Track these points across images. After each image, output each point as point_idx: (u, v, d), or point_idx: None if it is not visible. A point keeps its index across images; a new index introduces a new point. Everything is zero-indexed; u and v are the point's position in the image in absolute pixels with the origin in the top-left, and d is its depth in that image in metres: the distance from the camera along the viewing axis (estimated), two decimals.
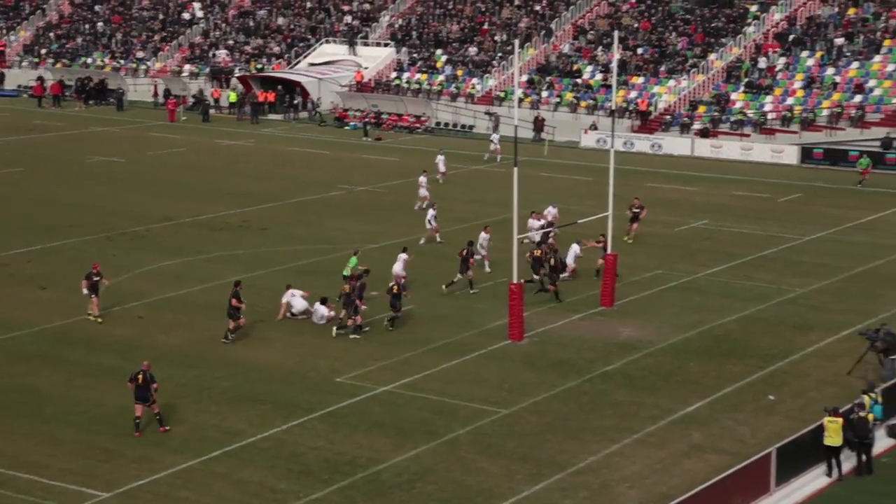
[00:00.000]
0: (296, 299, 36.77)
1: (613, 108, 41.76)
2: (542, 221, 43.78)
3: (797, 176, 60.97)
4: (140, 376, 28.15)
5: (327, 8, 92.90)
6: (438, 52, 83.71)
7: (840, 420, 25.93)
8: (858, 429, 26.01)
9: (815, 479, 26.04)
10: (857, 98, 66.86)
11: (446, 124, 77.05)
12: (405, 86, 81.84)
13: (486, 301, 38.29)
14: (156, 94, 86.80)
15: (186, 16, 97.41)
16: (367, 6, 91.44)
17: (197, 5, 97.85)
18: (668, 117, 70.95)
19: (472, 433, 28.21)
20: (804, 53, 71.86)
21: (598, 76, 75.84)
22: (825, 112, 66.75)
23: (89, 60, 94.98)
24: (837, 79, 68.85)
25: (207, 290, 39.82)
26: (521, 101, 74.00)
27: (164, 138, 72.93)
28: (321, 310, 36.22)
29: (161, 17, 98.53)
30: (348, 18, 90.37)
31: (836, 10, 74.30)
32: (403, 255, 39.07)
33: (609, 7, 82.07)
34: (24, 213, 51.52)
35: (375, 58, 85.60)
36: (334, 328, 35.33)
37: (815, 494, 25.49)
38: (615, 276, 38.44)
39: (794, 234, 47.70)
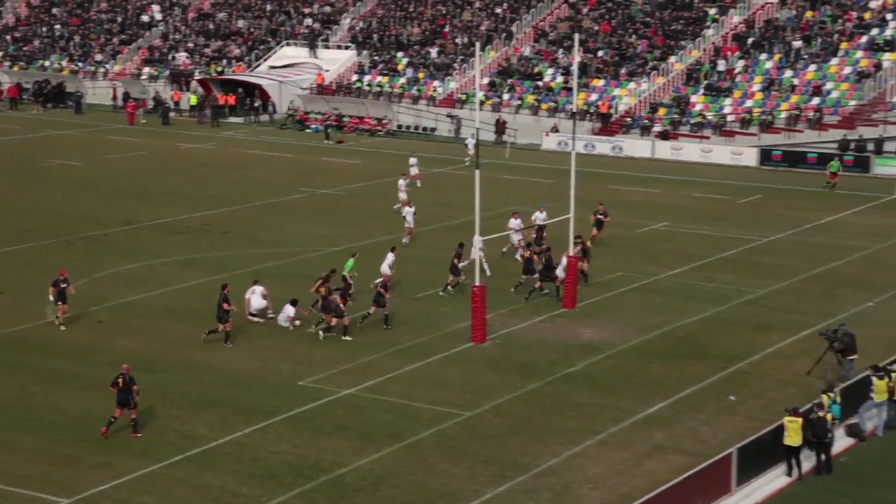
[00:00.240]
0: (255, 296, 36.60)
1: (574, 110, 41.82)
2: (520, 221, 43.50)
3: (756, 178, 61.40)
4: (120, 380, 28.04)
5: (287, 10, 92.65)
6: (399, 54, 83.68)
7: (800, 420, 26.11)
8: (817, 428, 26.20)
9: (775, 479, 26.20)
10: (815, 100, 67.44)
11: (408, 127, 77.01)
12: (366, 88, 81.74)
13: (448, 304, 38.30)
14: (115, 98, 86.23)
15: (145, 18, 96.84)
16: (327, 9, 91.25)
17: (156, 8, 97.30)
18: (628, 120, 71.27)
19: (435, 436, 28.19)
20: (762, 56, 72.42)
21: (559, 79, 76.09)
22: (784, 114, 67.29)
23: (47, 63, 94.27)
24: (795, 81, 69.43)
25: (168, 294, 39.61)
26: (482, 103, 74.11)
27: (123, 142, 72.44)
28: (287, 310, 36.02)
29: (119, 19, 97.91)
30: (309, 21, 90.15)
31: (794, 13, 74.93)
32: (390, 256, 39.17)
33: (569, 10, 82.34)
34: None
35: (336, 60, 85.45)
36: (321, 332, 35.15)
37: (776, 494, 25.65)
38: (577, 278, 38.53)
39: (754, 236, 48.03)
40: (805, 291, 40.21)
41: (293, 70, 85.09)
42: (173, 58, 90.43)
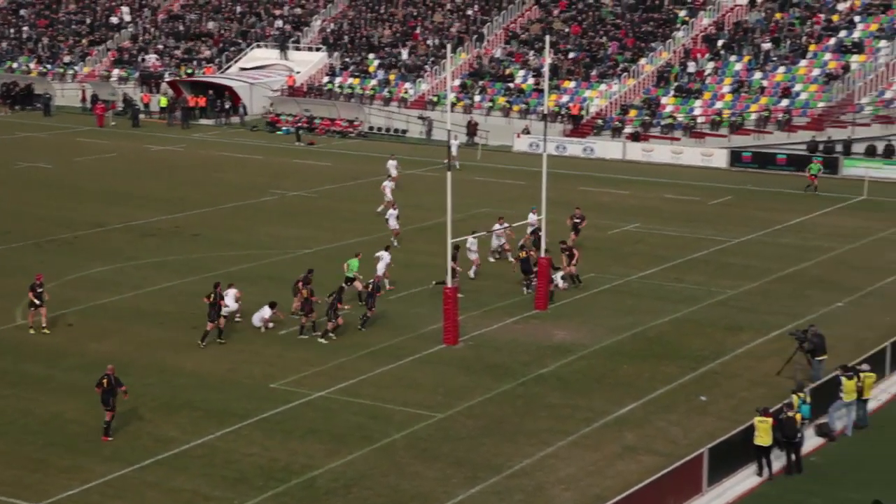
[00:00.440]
0: (228, 298, 36.53)
1: (545, 112, 41.91)
2: (507, 226, 43.31)
3: (727, 179, 61.71)
4: (105, 381, 27.97)
5: (258, 12, 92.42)
6: (371, 56, 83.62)
7: (770, 420, 26.26)
8: (786, 428, 26.36)
9: (746, 479, 26.33)
10: (784, 102, 67.83)
11: (379, 129, 76.98)
12: (337, 90, 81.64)
13: (421, 305, 38.30)
14: (84, 100, 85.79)
15: (114, 20, 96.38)
16: (298, 10, 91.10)
17: (125, 9, 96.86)
18: (599, 121, 71.48)
19: (407, 438, 28.19)
20: (732, 58, 72.79)
21: (531, 80, 76.22)
22: (753, 116, 67.66)
23: (15, 65, 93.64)
24: (765, 83, 69.81)
25: (139, 297, 39.45)
26: (453, 105, 74.15)
27: (93, 144, 72.08)
28: (264, 311, 35.86)
29: (88, 21, 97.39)
30: (279, 23, 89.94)
31: (763, 15, 75.36)
32: (386, 255, 39.10)
33: (540, 12, 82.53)
34: None
35: (307, 62, 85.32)
36: (321, 339, 35.08)
37: (746, 494, 25.78)
38: (549, 279, 38.61)
39: (724, 237, 48.27)
40: (775, 292, 40.44)
41: (264, 72, 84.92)
42: (143, 59, 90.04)
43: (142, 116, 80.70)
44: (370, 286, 36.52)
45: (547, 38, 44.56)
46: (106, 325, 36.59)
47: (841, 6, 73.64)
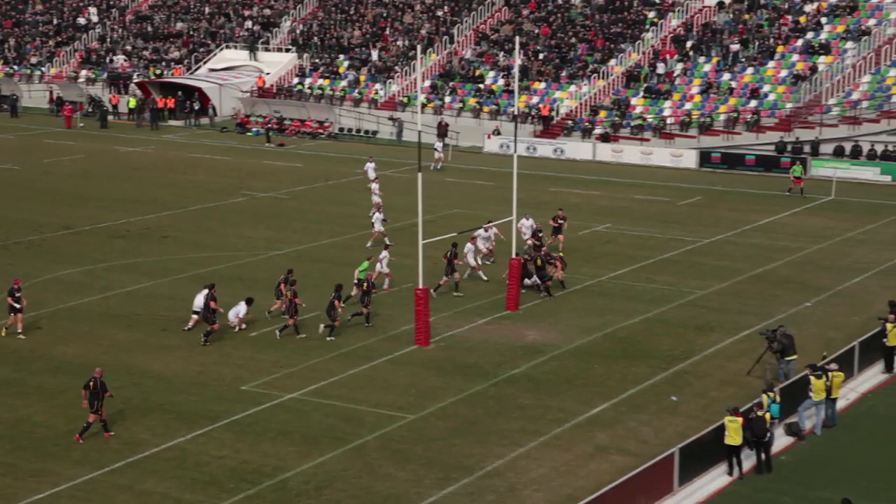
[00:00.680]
0: (200, 297, 36.40)
1: (516, 113, 41.95)
2: (480, 233, 43.13)
3: (696, 179, 61.99)
4: (91, 383, 27.92)
5: (227, 13, 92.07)
6: (341, 57, 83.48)
7: (740, 419, 26.38)
8: (756, 428, 26.49)
9: (716, 478, 26.43)
10: (753, 103, 68.19)
11: (350, 130, 76.89)
12: (307, 91, 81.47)
13: (392, 306, 38.26)
14: (52, 100, 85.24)
15: (82, 20, 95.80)
16: (267, 11, 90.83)
17: (92, 10, 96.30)
18: (569, 122, 71.64)
19: (379, 439, 28.15)
20: (701, 59, 73.12)
21: (501, 81, 76.32)
22: (722, 117, 67.98)
23: None
24: (733, 84, 70.16)
25: (108, 299, 39.23)
26: (424, 106, 74.17)
27: (60, 145, 71.64)
28: (239, 308, 35.70)
29: (55, 21, 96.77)
30: (249, 23, 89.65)
31: (731, 16, 75.74)
32: (386, 254, 39.09)
33: (510, 13, 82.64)
34: None
35: (277, 63, 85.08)
36: (322, 326, 35.30)
37: (717, 493, 25.88)
38: (520, 280, 38.67)
39: (694, 237, 48.48)
40: (744, 292, 40.63)
41: (233, 73, 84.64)
42: (111, 60, 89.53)
43: (110, 118, 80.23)
44: (365, 284, 36.51)
45: (517, 39, 44.58)
46: (74, 327, 36.35)
47: (808, 8, 74.11)
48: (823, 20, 72.44)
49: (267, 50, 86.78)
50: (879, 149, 62.58)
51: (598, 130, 70.16)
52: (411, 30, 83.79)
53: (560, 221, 45.23)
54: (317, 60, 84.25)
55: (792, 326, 34.03)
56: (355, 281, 37.77)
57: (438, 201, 51.42)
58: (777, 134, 65.58)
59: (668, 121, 69.13)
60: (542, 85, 74.99)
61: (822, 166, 61.35)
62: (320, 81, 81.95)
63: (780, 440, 28.12)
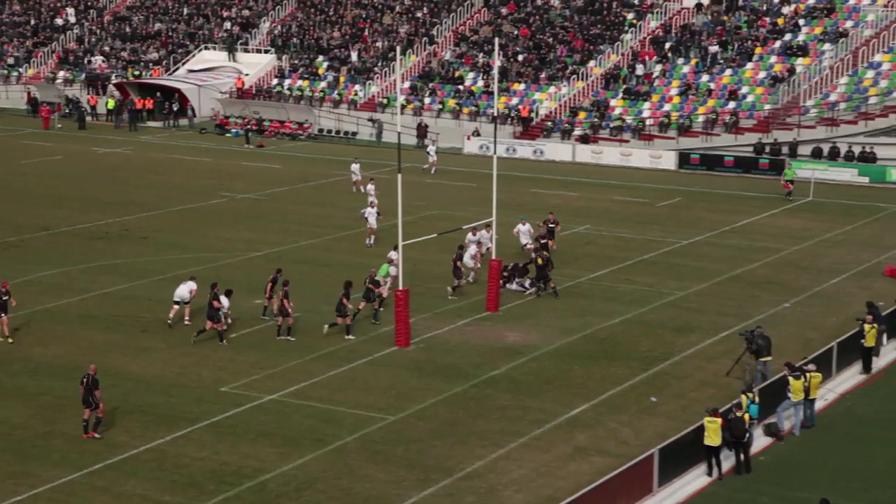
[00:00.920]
0: (184, 287, 36.32)
1: (496, 114, 41.96)
2: (478, 236, 42.92)
3: (675, 181, 62.18)
4: (84, 380, 28.04)
5: (206, 14, 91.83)
6: (320, 58, 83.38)
7: (719, 420, 26.46)
8: (735, 428, 26.58)
9: (696, 479, 26.51)
10: (731, 104, 68.45)
11: (329, 131, 76.81)
12: (287, 92, 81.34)
13: (373, 308, 38.17)
14: (30, 101, 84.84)
15: (59, 21, 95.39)
16: (246, 12, 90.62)
17: (70, 10, 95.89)
18: (549, 123, 71.76)
19: (359, 440, 28.13)
20: (680, 61, 73.35)
21: (480, 82, 76.36)
22: (701, 118, 68.21)
23: None
24: (712, 86, 70.42)
25: (86, 301, 39.08)
26: (403, 107, 74.19)
27: (38, 146, 71.33)
28: (223, 301, 35.64)
29: (33, 22, 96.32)
30: (227, 24, 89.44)
31: (710, 18, 76.00)
32: (394, 254, 39.04)
33: (490, 14, 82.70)
34: None
35: (256, 64, 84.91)
36: (325, 326, 35.42)
37: (696, 493, 25.95)
38: (500, 281, 38.72)
39: (674, 238, 48.61)
40: (723, 293, 40.77)
41: (212, 74, 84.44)
42: (89, 61, 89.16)
43: (88, 119, 79.92)
44: (366, 280, 36.42)
45: (496, 40, 44.63)
46: (53, 329, 36.20)
47: (786, 10, 74.44)
48: (801, 22, 72.78)
49: (246, 51, 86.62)
50: (857, 150, 62.89)
51: (577, 132, 70.30)
52: (391, 31, 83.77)
53: (551, 225, 45.00)
54: (296, 61, 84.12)
55: (770, 327, 34.20)
56: (371, 281, 37.65)
57: (418, 203, 51.42)
58: (755, 135, 65.85)
59: (648, 122, 69.31)
60: (522, 86, 75.08)
61: (800, 168, 61.58)
62: (299, 83, 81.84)
63: (759, 441, 28.24)
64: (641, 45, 75.75)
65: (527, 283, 40.46)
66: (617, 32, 77.01)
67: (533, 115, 72.58)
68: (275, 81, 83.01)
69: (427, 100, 76.38)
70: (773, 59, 70.72)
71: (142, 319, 37.04)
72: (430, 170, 62.84)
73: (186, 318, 36.49)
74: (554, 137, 70.72)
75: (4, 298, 35.03)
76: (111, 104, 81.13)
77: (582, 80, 73.82)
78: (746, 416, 26.92)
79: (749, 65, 71.06)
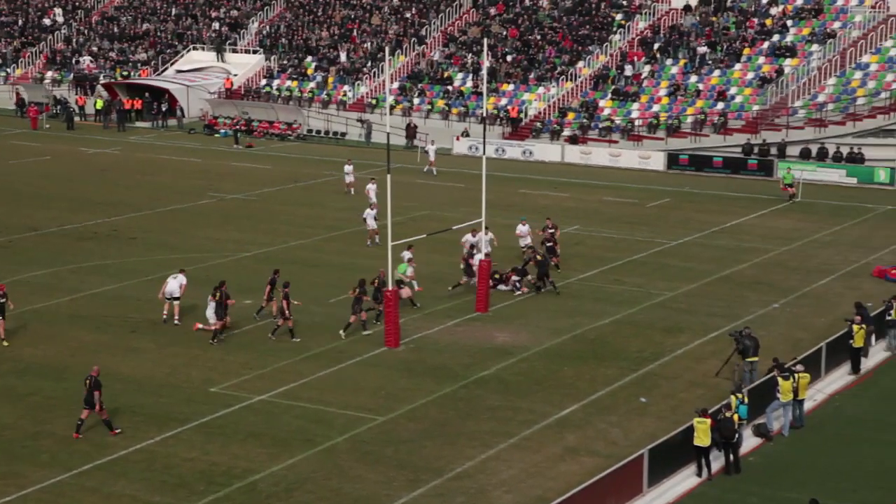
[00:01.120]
0: (174, 282, 36.24)
1: (485, 115, 42.00)
2: (481, 237, 42.82)
3: (664, 181, 62.28)
4: (87, 381, 28.10)
5: (194, 14, 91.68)
6: (309, 58, 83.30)
7: (708, 421, 26.51)
8: (724, 429, 26.64)
9: (685, 479, 26.55)
10: (720, 105, 68.58)
11: (318, 131, 76.75)
12: (275, 93, 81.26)
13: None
14: (18, 102, 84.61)
15: (47, 21, 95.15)
16: (234, 13, 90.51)
17: (58, 11, 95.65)
18: (538, 124, 71.81)
19: (349, 441, 28.12)
20: (668, 61, 73.47)
21: (469, 83, 76.38)
22: (689, 119, 68.33)
23: None
24: (701, 86, 70.54)
25: (76, 301, 38.99)
26: (392, 108, 74.17)
27: (26, 146, 71.15)
28: (213, 304, 35.66)
29: (20, 22, 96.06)
30: (216, 25, 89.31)
31: (698, 19, 76.14)
32: (407, 253, 38.90)
33: (478, 14, 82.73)
34: None
35: (245, 64, 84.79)
36: (342, 331, 35.36)
37: (686, 494, 26.01)
38: (489, 281, 38.73)
39: (663, 239, 48.68)
40: (712, 294, 40.85)
41: (201, 74, 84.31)
42: (77, 62, 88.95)
43: (77, 119, 79.73)
44: (376, 281, 36.41)
45: (485, 41, 44.67)
46: (42, 329, 36.11)
47: (774, 10, 74.61)
48: (789, 23, 72.94)
49: (234, 51, 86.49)
50: (845, 151, 63.07)
51: (566, 132, 70.36)
52: (379, 31, 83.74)
53: (551, 230, 44.69)
54: (285, 62, 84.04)
55: (759, 328, 34.30)
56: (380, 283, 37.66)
57: (408, 203, 51.38)
58: (744, 136, 65.98)
59: (636, 123, 69.40)
60: (511, 87, 75.11)
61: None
62: (288, 83, 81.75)
63: (749, 441, 28.30)
64: (630, 45, 75.85)
65: (517, 284, 40.43)
66: (605, 33, 77.09)
67: (522, 115, 72.62)
68: (263, 82, 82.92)
69: (416, 100, 76.37)
70: (762, 59, 70.88)
71: (131, 320, 36.99)
72: (431, 170, 62.72)
73: (176, 317, 36.43)
74: (543, 138, 70.77)
75: (2, 301, 34.85)
76: (100, 104, 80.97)
77: (571, 80, 73.88)
78: (736, 417, 26.98)
79: (737, 65, 71.20)
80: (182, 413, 29.57)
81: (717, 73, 71.15)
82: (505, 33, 79.84)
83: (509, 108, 73.03)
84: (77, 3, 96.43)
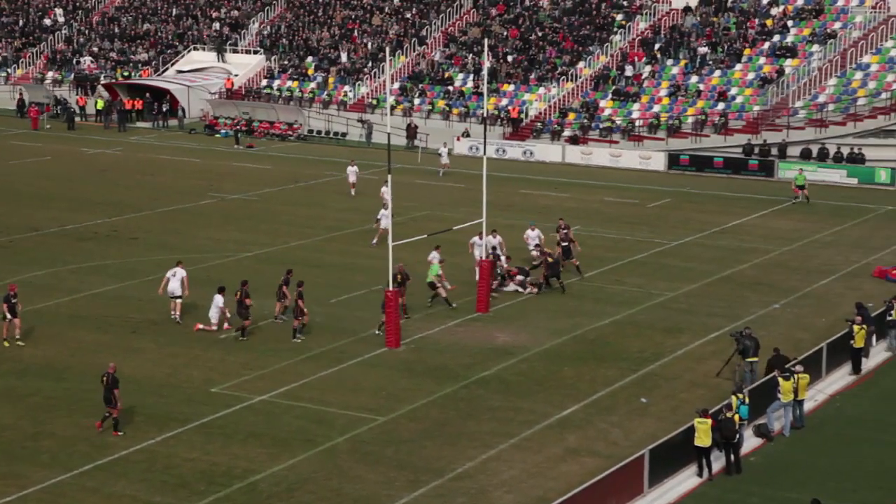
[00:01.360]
0: (175, 279, 36.25)
1: (485, 115, 41.99)
2: (489, 240, 42.66)
3: (665, 182, 62.26)
4: (104, 378, 28.19)
5: (195, 14, 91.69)
6: (309, 59, 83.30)
7: (709, 421, 26.51)
8: (725, 429, 26.63)
9: (686, 480, 26.55)
10: (720, 105, 68.56)
11: (319, 132, 76.75)
12: (276, 93, 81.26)
13: (362, 309, 38.19)
14: (19, 103, 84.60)
15: (48, 21, 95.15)
16: (235, 13, 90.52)
17: (59, 11, 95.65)
18: (538, 124, 71.80)
19: (350, 441, 28.11)
20: (669, 62, 73.46)
21: (470, 83, 76.38)
22: (690, 119, 68.32)
23: None
24: (701, 87, 70.53)
25: (76, 301, 38.99)
26: (393, 108, 74.16)
27: (27, 147, 71.13)
28: (217, 301, 35.55)
29: (21, 22, 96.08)
30: (216, 25, 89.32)
31: (699, 19, 76.12)
32: (436, 255, 38.92)
33: (479, 15, 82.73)
34: None
35: (245, 65, 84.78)
36: (376, 331, 35.27)
37: (687, 494, 26.00)
38: (490, 282, 38.74)
39: (663, 239, 48.67)
40: (713, 294, 40.83)
41: (201, 74, 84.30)
42: (78, 62, 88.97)
43: (77, 119, 79.74)
44: (399, 276, 36.41)
45: (486, 41, 44.67)
46: (42, 329, 36.08)
47: (774, 11, 74.60)
48: (790, 23, 72.92)
49: (235, 52, 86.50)
50: (846, 151, 63.05)
51: (567, 132, 70.36)
52: (380, 32, 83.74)
53: (564, 231, 44.34)
54: (285, 62, 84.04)
55: (760, 328, 34.29)
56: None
57: (408, 203, 51.42)
58: (745, 136, 65.96)
59: (637, 123, 69.39)
60: (511, 87, 75.11)
61: (789, 168, 61.73)
62: (289, 83, 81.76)
63: (749, 441, 28.30)
64: (631, 46, 75.82)
65: (524, 284, 40.37)
66: (606, 34, 77.08)
67: (522, 116, 72.60)
68: (264, 82, 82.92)
69: (417, 101, 76.37)
70: (762, 60, 70.86)
71: (131, 320, 36.98)
72: (439, 172, 62.59)
73: (178, 315, 36.43)
74: (543, 138, 70.76)
75: (13, 301, 34.81)
76: (100, 105, 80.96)
77: (571, 81, 73.87)
78: (736, 417, 26.97)
79: (738, 66, 71.18)
80: (183, 413, 29.57)
81: (717, 73, 71.14)
82: (505, 34, 79.83)
83: (510, 108, 73.02)
84: (78, 4, 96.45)
